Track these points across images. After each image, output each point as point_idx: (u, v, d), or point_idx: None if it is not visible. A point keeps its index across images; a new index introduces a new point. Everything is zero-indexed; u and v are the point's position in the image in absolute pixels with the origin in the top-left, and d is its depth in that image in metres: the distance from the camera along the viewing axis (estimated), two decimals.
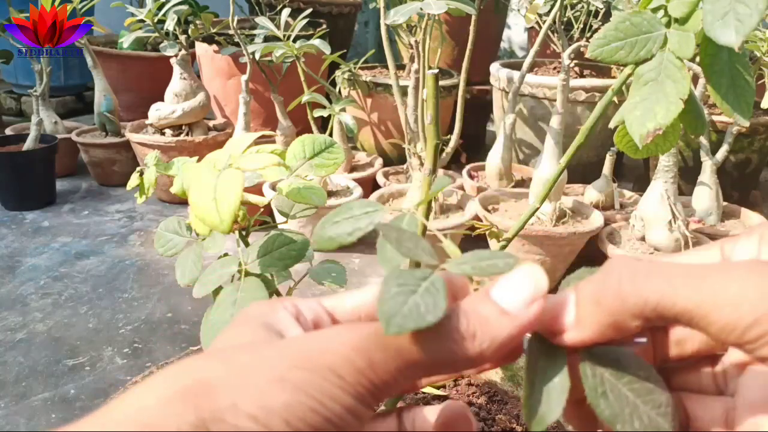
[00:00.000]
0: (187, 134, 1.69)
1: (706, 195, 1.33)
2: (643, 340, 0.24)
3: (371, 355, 0.19)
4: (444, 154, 1.37)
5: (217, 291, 0.45)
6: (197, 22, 1.69)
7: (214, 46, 1.81)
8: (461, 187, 1.51)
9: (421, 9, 0.85)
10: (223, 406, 0.18)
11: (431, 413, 0.25)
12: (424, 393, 0.58)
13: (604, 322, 0.21)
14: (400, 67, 1.88)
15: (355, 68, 1.70)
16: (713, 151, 1.34)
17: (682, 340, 0.24)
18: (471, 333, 0.20)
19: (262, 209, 0.50)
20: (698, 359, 0.25)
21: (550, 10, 1.43)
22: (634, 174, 1.97)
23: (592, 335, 0.21)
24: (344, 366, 0.19)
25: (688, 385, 0.25)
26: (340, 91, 1.73)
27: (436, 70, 0.39)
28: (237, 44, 1.64)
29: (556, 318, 0.22)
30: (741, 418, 0.23)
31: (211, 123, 1.81)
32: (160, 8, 1.55)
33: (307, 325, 0.24)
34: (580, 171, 1.64)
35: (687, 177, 1.52)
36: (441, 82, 1.74)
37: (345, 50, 2.24)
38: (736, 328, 0.18)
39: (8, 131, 1.84)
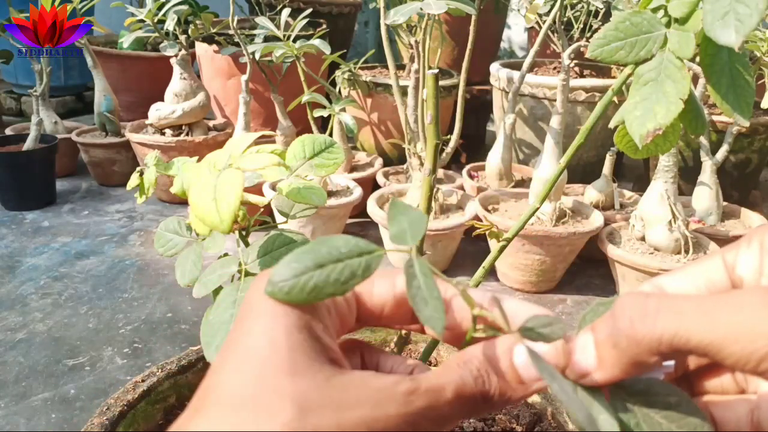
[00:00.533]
0: (187, 134, 1.69)
1: (706, 195, 1.33)
2: (671, 363, 0.24)
3: (419, 425, 0.22)
4: (444, 154, 1.37)
5: (217, 291, 0.45)
6: (197, 22, 1.69)
7: (214, 46, 1.81)
8: (461, 187, 1.51)
9: (421, 9, 0.85)
10: None
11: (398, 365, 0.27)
12: None
13: (624, 362, 0.22)
14: (400, 67, 1.88)
15: (355, 68, 1.70)
16: (713, 151, 1.34)
17: None
18: (491, 397, 0.23)
19: (262, 209, 0.50)
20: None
21: (550, 10, 1.43)
22: (634, 174, 1.97)
23: (615, 374, 0.22)
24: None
25: (711, 389, 0.26)
26: (340, 91, 1.73)
27: (436, 70, 0.39)
28: (237, 44, 1.64)
29: (580, 362, 0.23)
30: (766, 415, 0.24)
31: (211, 123, 1.81)
32: (160, 8, 1.56)
33: (336, 322, 0.25)
34: (580, 171, 1.64)
35: (687, 177, 1.52)
36: (441, 82, 1.74)
37: (345, 50, 2.24)
38: (751, 360, 0.19)
39: (8, 131, 1.84)
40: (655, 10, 0.36)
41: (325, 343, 0.23)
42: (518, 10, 2.02)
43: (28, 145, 1.64)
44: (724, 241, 1.25)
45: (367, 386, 0.22)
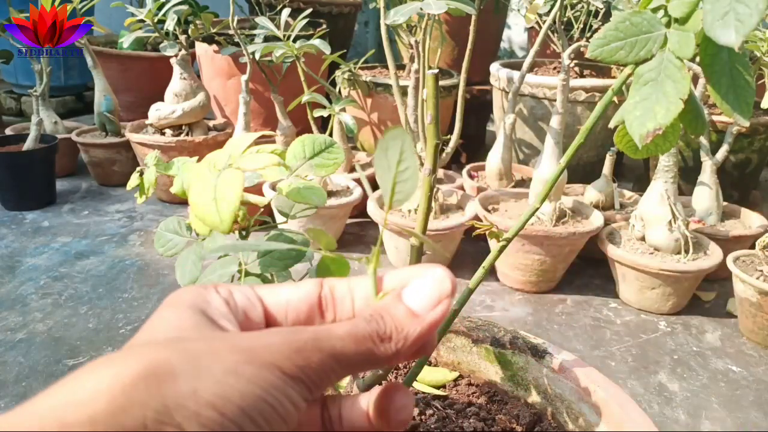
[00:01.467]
0: (187, 134, 1.69)
1: (706, 195, 1.33)
2: None
3: (308, 355, 0.22)
4: (444, 154, 1.37)
5: None
6: (197, 22, 1.69)
7: (214, 46, 1.81)
8: (461, 187, 1.51)
9: (421, 9, 0.85)
10: (185, 393, 0.19)
11: (362, 401, 0.27)
12: (424, 393, 0.58)
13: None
14: (400, 67, 1.88)
15: (355, 68, 1.70)
16: (713, 151, 1.34)
17: None
18: (388, 335, 0.23)
19: (262, 209, 0.50)
20: None
21: (550, 10, 1.43)
22: (634, 174, 1.97)
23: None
24: (286, 364, 0.21)
25: None
26: (340, 91, 1.73)
27: (436, 70, 0.39)
28: (237, 44, 1.64)
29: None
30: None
31: (211, 123, 1.81)
32: (160, 8, 1.56)
33: (238, 313, 0.25)
34: (580, 171, 1.64)
35: (687, 177, 1.52)
36: (441, 82, 1.74)
37: (345, 50, 2.24)
38: None
39: (8, 131, 1.84)
40: (655, 10, 0.36)
41: (222, 324, 0.24)
42: (518, 10, 2.02)
43: (28, 145, 1.64)
44: (724, 241, 1.26)
45: (252, 332, 0.23)
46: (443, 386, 0.60)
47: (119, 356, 0.20)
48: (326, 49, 1.40)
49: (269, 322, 0.26)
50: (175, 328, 0.23)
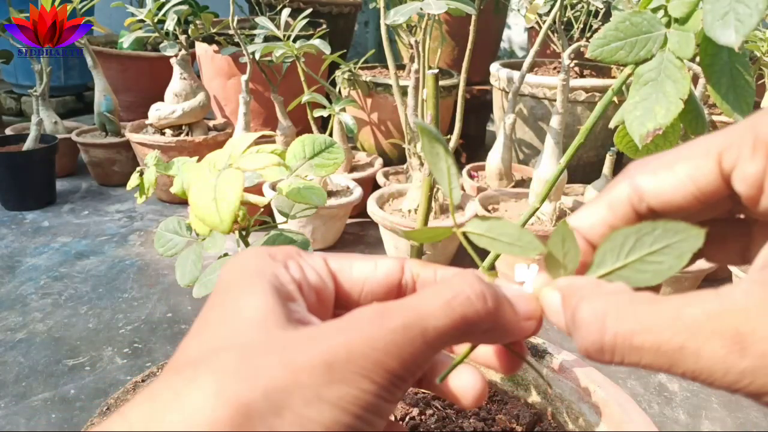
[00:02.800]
0: (187, 134, 1.69)
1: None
2: None
3: (401, 352, 0.19)
4: None
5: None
6: (197, 22, 1.69)
7: (214, 46, 1.81)
8: (461, 187, 1.51)
9: (421, 9, 0.85)
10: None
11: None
12: (424, 393, 0.58)
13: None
14: (400, 67, 1.88)
15: (355, 68, 1.70)
16: None
17: None
18: (492, 309, 0.21)
19: (262, 209, 0.50)
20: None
21: (550, 10, 1.43)
22: None
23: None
24: (377, 371, 0.19)
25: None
26: (340, 91, 1.73)
27: (436, 70, 0.39)
28: (237, 44, 1.64)
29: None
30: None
31: (211, 123, 1.81)
32: (160, 8, 1.55)
33: (309, 294, 0.23)
34: (580, 171, 1.64)
35: None
36: (441, 82, 1.74)
37: (345, 50, 2.24)
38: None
39: (8, 131, 1.84)
40: (655, 10, 0.36)
41: (294, 309, 0.21)
42: (518, 10, 2.02)
43: (28, 145, 1.64)
44: None
45: (329, 322, 0.20)
46: None
47: (194, 387, 0.18)
48: (326, 49, 1.40)
49: (340, 299, 0.25)
50: (247, 323, 0.20)
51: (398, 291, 0.25)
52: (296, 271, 0.23)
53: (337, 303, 0.25)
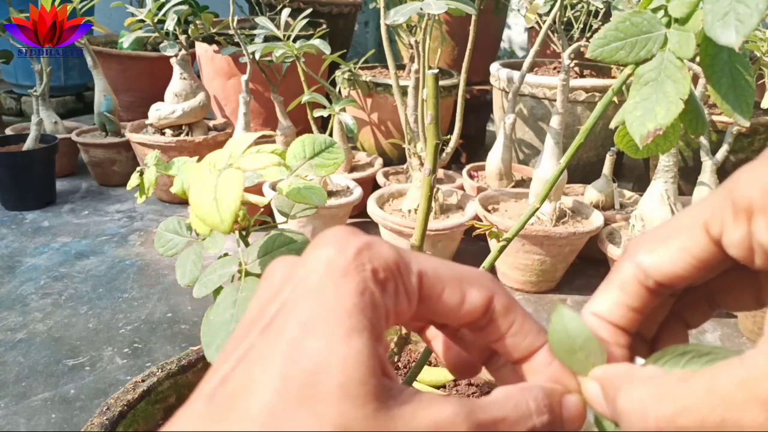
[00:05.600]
0: (187, 134, 1.69)
1: (706, 195, 1.33)
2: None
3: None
4: (444, 154, 1.37)
5: (217, 291, 0.45)
6: (197, 22, 1.69)
7: (214, 46, 1.81)
8: (461, 187, 1.51)
9: (421, 9, 0.85)
10: None
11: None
12: None
13: None
14: (400, 67, 1.88)
15: (355, 68, 1.70)
16: (713, 151, 1.34)
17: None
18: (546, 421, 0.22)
19: (262, 209, 0.50)
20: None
21: (550, 10, 1.43)
22: (634, 174, 1.97)
23: None
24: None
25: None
26: (340, 91, 1.73)
27: (436, 70, 0.39)
28: (237, 44, 1.64)
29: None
30: None
31: (211, 123, 1.81)
32: (160, 8, 1.56)
33: (389, 321, 0.21)
34: (580, 171, 1.64)
35: (687, 177, 1.52)
36: (441, 82, 1.74)
37: (345, 50, 2.24)
38: None
39: (8, 131, 1.84)
40: (655, 10, 0.36)
41: (380, 353, 0.19)
42: (518, 10, 2.02)
43: (28, 145, 1.64)
44: None
45: (423, 418, 0.19)
46: (443, 386, 0.60)
47: None
48: (326, 49, 1.40)
49: (414, 319, 0.23)
50: (356, 389, 0.18)
51: (483, 317, 0.24)
52: (390, 298, 0.20)
53: (412, 321, 0.25)
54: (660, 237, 0.23)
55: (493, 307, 0.23)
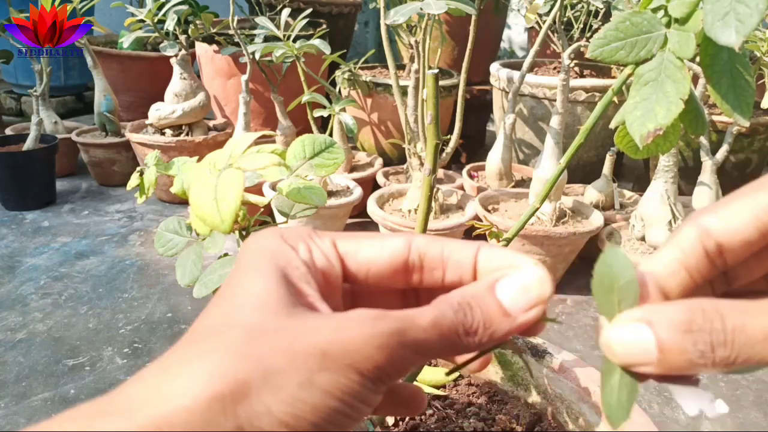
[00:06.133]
0: (187, 134, 1.69)
1: (706, 195, 1.33)
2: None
3: (392, 352, 0.21)
4: (444, 154, 1.37)
5: (217, 291, 0.45)
6: (197, 22, 1.69)
7: (214, 46, 1.81)
8: (461, 187, 1.51)
9: (421, 9, 0.84)
10: (260, 413, 0.19)
11: None
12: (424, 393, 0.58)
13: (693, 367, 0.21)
14: (400, 67, 1.88)
15: (355, 68, 1.70)
16: (713, 151, 1.34)
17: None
18: (474, 329, 0.22)
19: (262, 209, 0.50)
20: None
21: (550, 10, 1.43)
22: (634, 174, 1.97)
23: (672, 373, 0.22)
24: (366, 364, 0.20)
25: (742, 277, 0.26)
26: (340, 91, 1.73)
27: (436, 70, 0.39)
28: (237, 44, 1.64)
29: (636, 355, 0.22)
30: None
31: (211, 123, 1.81)
32: (160, 8, 1.56)
33: (317, 275, 0.24)
34: (580, 171, 1.64)
35: (687, 177, 1.52)
36: (441, 82, 1.74)
37: (345, 50, 2.24)
38: None
39: (8, 131, 1.84)
40: (655, 10, 0.36)
41: (301, 288, 0.23)
42: (518, 10, 2.02)
43: (28, 145, 1.64)
44: None
45: (331, 316, 0.22)
46: (443, 386, 0.60)
47: (198, 359, 0.20)
48: (326, 49, 1.40)
49: (348, 280, 0.25)
50: (255, 304, 0.22)
51: (405, 270, 0.25)
52: (305, 253, 0.24)
53: (345, 281, 0.26)
54: (726, 201, 0.23)
55: (415, 245, 0.25)
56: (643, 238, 1.23)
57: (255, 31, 1.64)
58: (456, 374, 0.61)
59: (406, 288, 0.27)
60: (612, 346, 0.22)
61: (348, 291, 0.27)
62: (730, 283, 0.26)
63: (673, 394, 0.23)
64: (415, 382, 0.57)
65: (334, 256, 0.25)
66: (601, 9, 1.66)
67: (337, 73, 1.72)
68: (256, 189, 1.29)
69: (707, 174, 1.33)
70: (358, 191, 1.43)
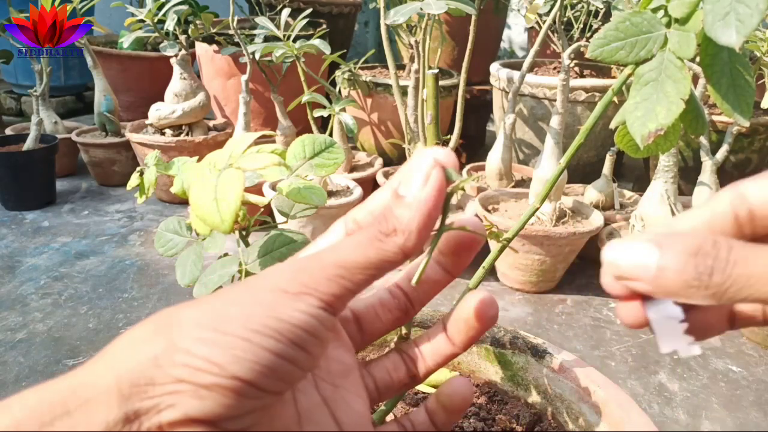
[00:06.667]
0: (187, 134, 1.69)
1: (706, 195, 1.33)
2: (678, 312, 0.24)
3: (312, 272, 0.23)
4: None
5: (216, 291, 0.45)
6: (197, 22, 1.69)
7: (214, 46, 1.81)
8: (461, 187, 1.51)
9: (421, 9, 0.84)
10: (189, 323, 0.22)
11: (422, 412, 0.28)
12: (423, 393, 0.58)
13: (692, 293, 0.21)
14: (400, 67, 1.88)
15: (355, 68, 1.70)
16: (713, 151, 1.34)
17: None
18: (391, 229, 0.23)
19: (262, 209, 0.50)
20: None
21: (550, 10, 1.43)
22: (634, 174, 1.97)
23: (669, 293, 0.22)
24: (290, 284, 0.22)
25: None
26: (340, 91, 1.73)
27: (436, 70, 0.39)
28: (237, 44, 1.64)
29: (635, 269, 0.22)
30: None
31: (211, 123, 1.81)
32: (160, 8, 1.55)
33: None
34: (580, 171, 1.64)
35: (687, 177, 1.52)
36: (441, 82, 1.74)
37: (345, 50, 2.24)
38: None
39: (8, 131, 1.84)
40: (655, 10, 0.36)
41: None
42: (518, 10, 2.02)
43: (28, 145, 1.64)
44: None
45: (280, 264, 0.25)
46: None
47: (152, 318, 0.25)
48: (326, 49, 1.40)
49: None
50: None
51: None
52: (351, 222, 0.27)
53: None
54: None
55: (349, 220, 0.28)
56: None
57: (255, 31, 1.64)
58: (456, 374, 0.61)
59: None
60: (613, 257, 0.23)
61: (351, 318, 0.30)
62: None
63: (653, 329, 0.24)
64: None
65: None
66: (601, 9, 1.66)
67: (337, 73, 1.72)
68: (256, 189, 1.29)
69: (707, 174, 1.33)
70: (358, 191, 1.43)
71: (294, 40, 1.42)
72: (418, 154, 0.24)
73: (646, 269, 0.22)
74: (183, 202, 1.68)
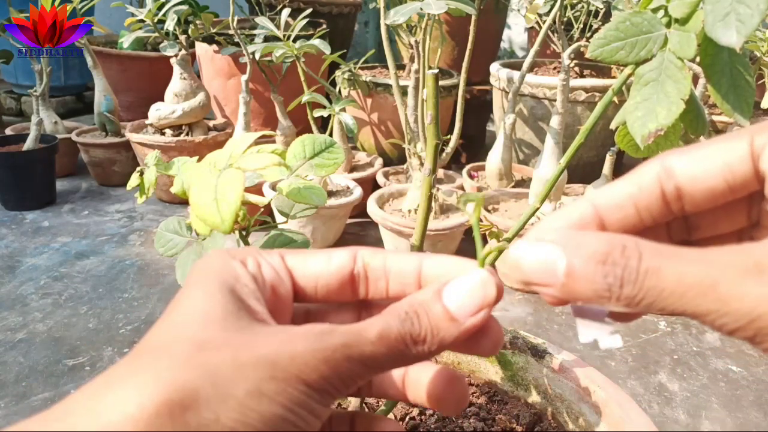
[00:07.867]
0: (187, 134, 1.69)
1: None
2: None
3: (337, 365, 0.21)
4: (444, 154, 1.37)
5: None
6: (197, 22, 1.69)
7: (214, 46, 1.81)
8: (461, 187, 1.51)
9: (421, 9, 0.84)
10: (208, 421, 0.19)
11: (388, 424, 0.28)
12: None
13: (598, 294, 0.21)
14: (400, 67, 1.88)
15: (355, 68, 1.70)
16: None
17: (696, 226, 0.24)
18: (422, 338, 0.22)
19: (262, 209, 0.50)
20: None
21: (550, 10, 1.43)
22: None
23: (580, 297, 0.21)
24: (313, 375, 0.21)
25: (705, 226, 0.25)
26: (340, 91, 1.73)
27: (436, 70, 0.39)
28: (237, 44, 1.64)
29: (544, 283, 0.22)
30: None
31: (211, 123, 1.81)
32: (160, 8, 1.55)
33: (265, 290, 0.24)
34: (580, 171, 1.64)
35: None
36: (441, 82, 1.74)
37: (345, 50, 2.24)
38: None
39: (8, 131, 1.84)
40: (655, 10, 0.36)
41: (249, 304, 0.23)
42: (518, 10, 2.02)
43: (28, 145, 1.64)
44: None
45: (279, 329, 0.22)
46: None
47: (144, 371, 0.20)
48: (326, 49, 1.40)
49: (298, 296, 0.26)
50: (202, 319, 0.22)
51: (351, 282, 0.26)
52: (254, 267, 0.24)
53: (296, 298, 0.26)
54: (697, 145, 0.22)
55: (360, 256, 0.25)
56: None
57: (255, 31, 1.64)
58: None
59: (355, 301, 0.27)
60: (519, 261, 0.22)
61: (302, 312, 0.27)
62: (690, 232, 0.25)
63: (576, 321, 0.24)
64: None
65: (283, 269, 0.25)
66: (601, 9, 1.66)
67: (337, 73, 1.72)
68: (256, 189, 1.29)
69: None
70: (358, 191, 1.43)
71: (294, 40, 1.42)
72: (476, 271, 0.23)
73: (552, 277, 0.21)
74: (183, 202, 1.68)
